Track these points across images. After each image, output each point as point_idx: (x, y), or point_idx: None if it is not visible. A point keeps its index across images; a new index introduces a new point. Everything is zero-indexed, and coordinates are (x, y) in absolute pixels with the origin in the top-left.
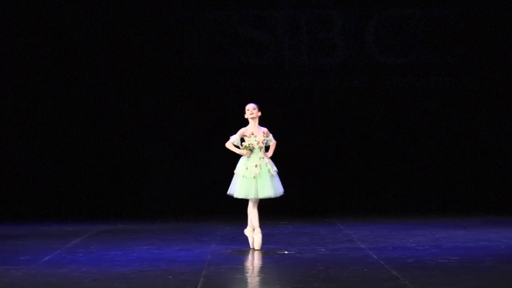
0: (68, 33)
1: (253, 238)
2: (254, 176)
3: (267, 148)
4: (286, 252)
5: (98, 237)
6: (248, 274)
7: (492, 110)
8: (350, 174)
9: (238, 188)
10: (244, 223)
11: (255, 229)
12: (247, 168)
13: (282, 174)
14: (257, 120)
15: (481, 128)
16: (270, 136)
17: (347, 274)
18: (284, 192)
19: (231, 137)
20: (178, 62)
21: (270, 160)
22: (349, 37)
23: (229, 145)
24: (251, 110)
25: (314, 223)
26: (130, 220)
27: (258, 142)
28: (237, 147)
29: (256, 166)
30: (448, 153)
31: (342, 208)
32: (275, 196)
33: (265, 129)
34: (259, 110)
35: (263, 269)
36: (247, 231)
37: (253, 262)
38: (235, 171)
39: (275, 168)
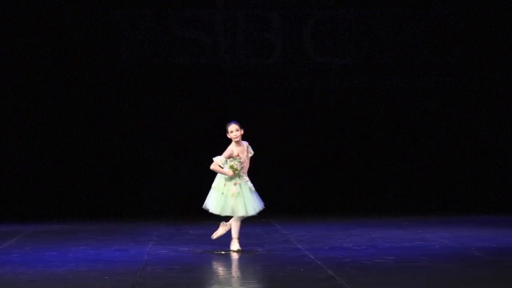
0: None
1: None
2: (232, 194)
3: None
4: (223, 252)
5: (34, 237)
6: (184, 274)
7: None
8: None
9: (215, 203)
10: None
11: (232, 240)
12: (224, 185)
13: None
14: (240, 140)
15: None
16: (250, 148)
17: (283, 274)
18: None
19: (215, 158)
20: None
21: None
22: (287, 38)
23: (215, 167)
24: (235, 132)
25: (251, 224)
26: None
27: (242, 163)
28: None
29: (235, 184)
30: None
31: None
32: (260, 210)
33: (245, 144)
34: (241, 127)
35: (199, 269)
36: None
37: (190, 262)
38: (213, 186)
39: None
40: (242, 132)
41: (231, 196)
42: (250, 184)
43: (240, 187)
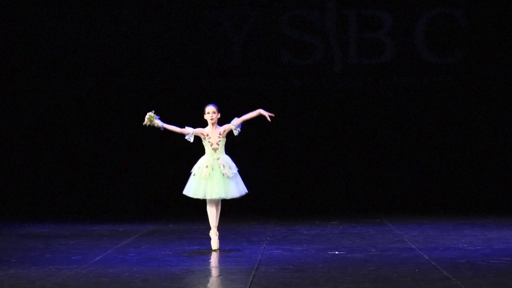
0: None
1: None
2: (204, 176)
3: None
4: (336, 252)
5: (149, 237)
6: (298, 274)
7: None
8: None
9: (187, 186)
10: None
11: (211, 230)
12: (199, 167)
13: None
14: (215, 123)
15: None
16: (230, 125)
17: (398, 274)
18: (245, 193)
19: (187, 127)
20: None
21: (228, 161)
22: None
23: (173, 127)
24: (211, 114)
25: (364, 223)
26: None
27: (212, 144)
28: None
29: (207, 166)
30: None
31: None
32: (226, 197)
33: (221, 129)
34: (219, 111)
35: (312, 269)
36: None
37: (304, 262)
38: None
39: (233, 170)
40: (218, 116)
41: (203, 178)
42: (226, 168)
43: (212, 169)
